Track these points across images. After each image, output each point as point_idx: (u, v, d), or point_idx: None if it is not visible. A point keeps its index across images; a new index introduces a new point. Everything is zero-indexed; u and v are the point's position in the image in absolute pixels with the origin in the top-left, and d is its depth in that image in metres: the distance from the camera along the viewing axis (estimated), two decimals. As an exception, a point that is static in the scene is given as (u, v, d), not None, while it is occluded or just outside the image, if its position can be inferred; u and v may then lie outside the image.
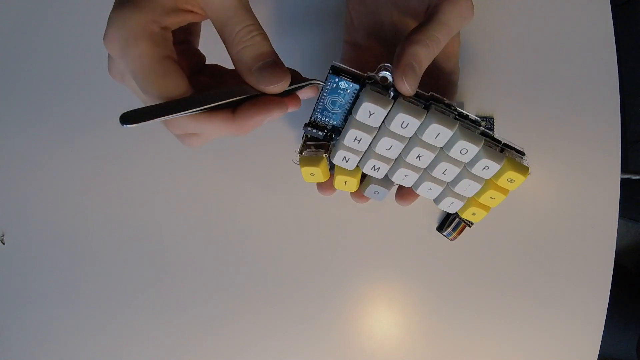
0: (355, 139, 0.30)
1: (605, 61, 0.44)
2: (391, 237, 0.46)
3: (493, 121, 0.44)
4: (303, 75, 0.29)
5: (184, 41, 0.31)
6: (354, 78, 0.29)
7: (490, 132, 0.30)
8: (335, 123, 0.32)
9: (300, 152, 0.33)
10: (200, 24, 0.32)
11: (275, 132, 0.45)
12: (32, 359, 0.48)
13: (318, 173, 0.32)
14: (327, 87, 0.29)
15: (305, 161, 0.32)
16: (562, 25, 0.44)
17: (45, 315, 0.48)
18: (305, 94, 0.29)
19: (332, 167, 0.34)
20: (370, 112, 0.28)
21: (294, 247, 0.46)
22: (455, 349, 0.45)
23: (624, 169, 0.58)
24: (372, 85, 0.29)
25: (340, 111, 0.31)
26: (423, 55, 0.28)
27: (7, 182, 0.48)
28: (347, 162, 0.32)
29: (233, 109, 0.26)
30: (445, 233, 0.44)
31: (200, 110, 0.25)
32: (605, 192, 0.44)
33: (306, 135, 0.33)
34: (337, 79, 0.29)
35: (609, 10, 0.44)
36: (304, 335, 0.46)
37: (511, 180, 0.30)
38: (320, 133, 0.32)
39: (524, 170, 0.30)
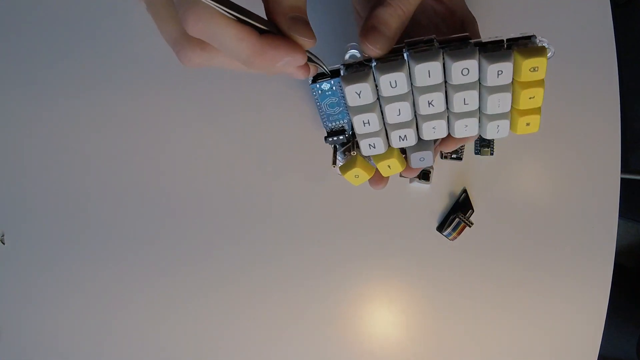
0: (364, 124, 0.29)
1: (605, 61, 0.44)
2: (391, 237, 0.46)
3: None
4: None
5: None
6: (332, 73, 0.29)
7: (483, 40, 0.28)
8: (345, 122, 0.32)
9: (334, 163, 0.33)
10: None
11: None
12: (32, 359, 0.48)
13: (360, 172, 0.32)
14: (316, 96, 0.30)
15: (344, 169, 0.32)
16: (562, 25, 0.44)
17: (46, 315, 0.48)
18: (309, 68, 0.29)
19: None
20: (356, 92, 0.28)
21: (293, 247, 0.46)
22: (455, 349, 0.45)
23: (624, 169, 0.58)
24: (348, 70, 0.29)
25: (342, 109, 0.31)
26: (387, 15, 0.28)
27: (7, 182, 0.48)
28: (375, 148, 0.31)
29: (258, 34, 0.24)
30: (445, 233, 0.44)
31: (235, 15, 0.22)
32: (605, 192, 0.44)
33: (334, 146, 0.33)
34: (317, 85, 0.29)
35: (609, 10, 0.44)
36: (304, 335, 0.46)
37: (534, 69, 0.27)
38: (341, 137, 0.32)
39: (539, 51, 0.26)
